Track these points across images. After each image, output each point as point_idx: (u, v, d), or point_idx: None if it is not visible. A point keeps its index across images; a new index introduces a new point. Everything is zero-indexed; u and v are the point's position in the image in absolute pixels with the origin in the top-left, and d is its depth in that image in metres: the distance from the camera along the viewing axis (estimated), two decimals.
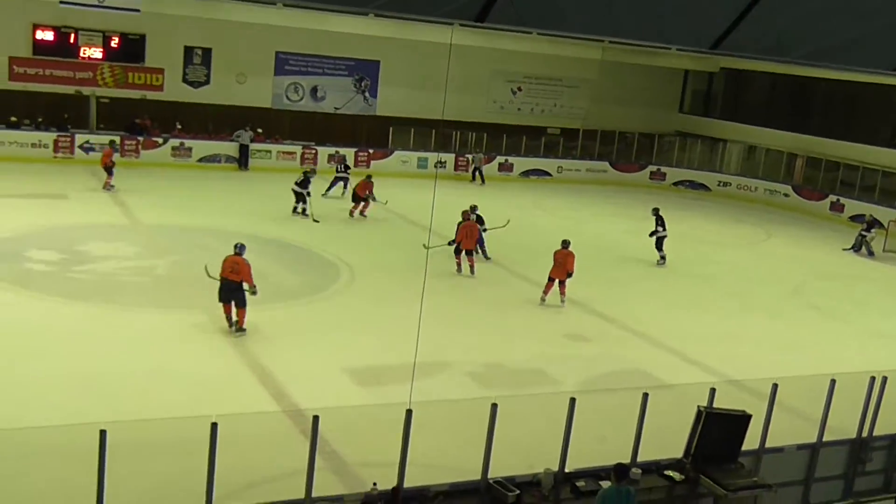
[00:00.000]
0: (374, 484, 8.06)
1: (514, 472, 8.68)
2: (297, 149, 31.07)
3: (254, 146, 30.25)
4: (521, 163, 34.37)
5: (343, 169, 27.06)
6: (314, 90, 32.62)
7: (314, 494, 7.75)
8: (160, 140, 29.20)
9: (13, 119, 28.20)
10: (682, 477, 9.24)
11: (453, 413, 10.81)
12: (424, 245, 16.62)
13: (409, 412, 8.00)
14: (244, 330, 13.88)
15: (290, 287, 17.15)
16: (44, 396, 10.82)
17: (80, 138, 28.29)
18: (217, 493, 7.24)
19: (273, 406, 11.44)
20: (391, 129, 32.95)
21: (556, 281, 17.06)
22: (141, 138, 29.02)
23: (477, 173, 32.34)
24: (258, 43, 30.84)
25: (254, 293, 13.91)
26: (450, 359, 13.56)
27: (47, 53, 28.79)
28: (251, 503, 7.70)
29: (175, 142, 29.37)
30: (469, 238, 18.88)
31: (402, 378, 11.25)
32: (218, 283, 13.93)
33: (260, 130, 30.74)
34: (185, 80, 30.67)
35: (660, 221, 21.83)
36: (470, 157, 33.11)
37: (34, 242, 17.99)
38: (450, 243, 18.99)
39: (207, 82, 30.93)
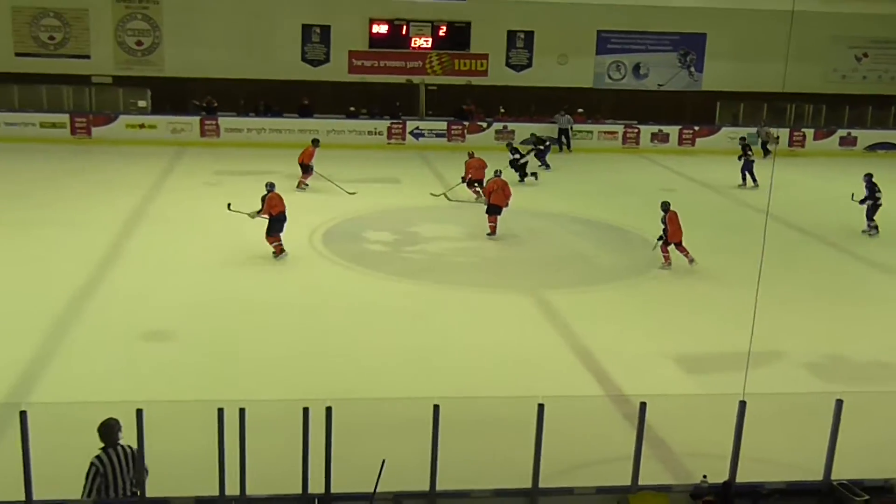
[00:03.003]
0: (704, 476, 7.61)
1: (861, 474, 7.83)
2: (619, 128, 30.66)
3: (578, 127, 30.21)
4: (866, 136, 31.56)
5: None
6: (636, 67, 32.03)
7: (640, 482, 7.47)
8: (484, 124, 30.04)
9: (351, 109, 30.35)
10: None
11: (790, 407, 10.02)
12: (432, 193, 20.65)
13: (742, 403, 7.46)
14: None
15: (612, 268, 16.89)
16: (378, 370, 11.38)
17: (410, 125, 29.83)
18: (545, 469, 7.17)
19: (595, 389, 11.24)
20: (718, 104, 31.55)
21: (674, 244, 16.39)
22: (466, 123, 30.03)
23: (766, 147, 29.63)
24: (579, 23, 30.77)
25: None
26: (785, 348, 12.62)
27: (381, 46, 30.69)
28: (576, 485, 7.56)
29: (498, 125, 30.08)
30: (500, 193, 18.74)
31: (730, 366, 10.64)
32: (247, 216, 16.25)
33: (581, 110, 30.66)
34: (507, 65, 31.35)
35: (871, 188, 19.62)
36: (756, 130, 30.09)
37: (371, 224, 19.15)
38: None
39: (529, 65, 31.40)
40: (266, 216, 16.30)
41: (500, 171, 19.67)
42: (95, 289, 14.26)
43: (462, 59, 31.10)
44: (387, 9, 30.06)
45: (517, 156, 24.29)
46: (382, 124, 29.69)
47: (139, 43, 30.94)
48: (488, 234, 18.43)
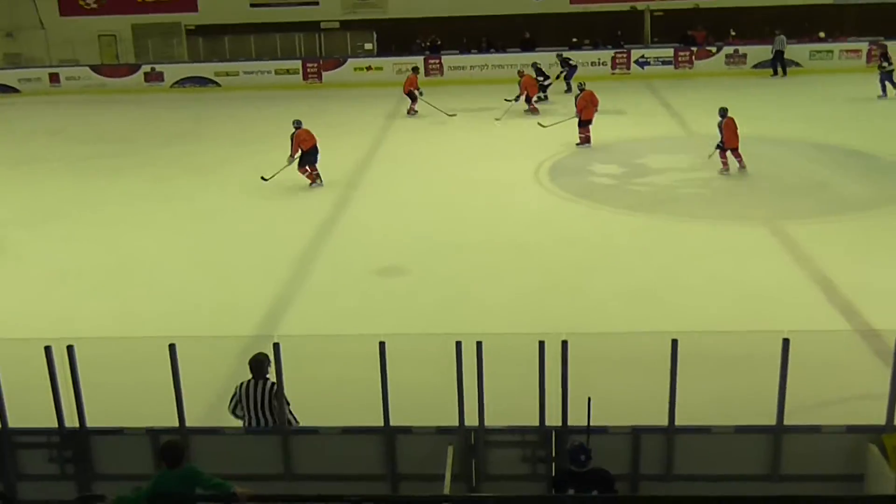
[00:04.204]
0: None
1: None
2: (863, 46, 28.31)
3: (815, 46, 28.21)
4: None
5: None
6: None
7: None
8: (713, 49, 28.65)
9: (574, 40, 29.82)
10: None
11: None
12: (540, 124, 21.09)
13: None
14: None
15: (857, 197, 15.72)
16: (609, 304, 11.22)
17: (635, 54, 28.95)
18: (788, 407, 6.85)
19: (842, 323, 10.56)
20: None
21: (729, 150, 16.94)
22: (694, 49, 28.76)
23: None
24: None
25: None
26: None
27: None
28: (823, 423, 7.17)
29: (729, 49, 28.59)
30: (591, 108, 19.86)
31: None
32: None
33: (822, 34, 28.58)
34: None
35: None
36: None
37: (597, 157, 18.83)
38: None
39: None
40: (297, 152, 16.87)
41: (585, 84, 20.58)
42: (332, 228, 14.93)
43: None
44: None
45: (540, 78, 24.81)
46: (606, 54, 28.99)
47: None
48: (578, 144, 19.74)
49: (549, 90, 25.32)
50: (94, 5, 32.97)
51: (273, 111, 25.88)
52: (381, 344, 6.58)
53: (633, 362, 8.47)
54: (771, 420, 6.86)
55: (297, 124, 17.24)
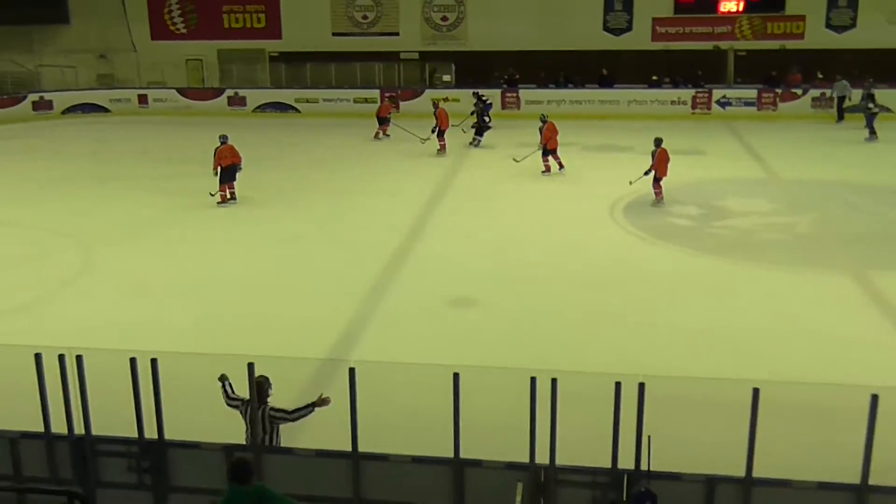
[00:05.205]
0: None
1: None
2: None
3: None
4: None
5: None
6: None
7: None
8: (799, 91, 28.17)
9: (654, 78, 29.61)
10: None
11: None
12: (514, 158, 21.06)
13: None
14: None
15: None
16: (684, 348, 11.01)
17: (716, 94, 28.62)
18: (874, 466, 6.60)
19: None
20: None
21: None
22: (779, 91, 28.34)
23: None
24: None
25: None
26: None
27: (688, 11, 29.64)
28: None
29: (815, 92, 28.08)
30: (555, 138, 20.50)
31: None
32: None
33: None
34: (828, 26, 29.13)
35: None
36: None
37: (675, 197, 18.55)
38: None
39: (853, 25, 28.99)
40: (218, 167, 17.63)
41: (546, 116, 20.88)
42: (406, 256, 14.97)
43: (776, 22, 29.35)
44: None
45: (486, 118, 25.69)
46: (687, 93, 28.71)
47: (444, 18, 32.07)
48: (543, 172, 20.48)
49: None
50: (184, 30, 33.90)
51: (352, 139, 26.20)
52: (455, 375, 6.53)
53: (711, 407, 8.26)
54: (854, 478, 6.61)
55: (223, 139, 17.93)
